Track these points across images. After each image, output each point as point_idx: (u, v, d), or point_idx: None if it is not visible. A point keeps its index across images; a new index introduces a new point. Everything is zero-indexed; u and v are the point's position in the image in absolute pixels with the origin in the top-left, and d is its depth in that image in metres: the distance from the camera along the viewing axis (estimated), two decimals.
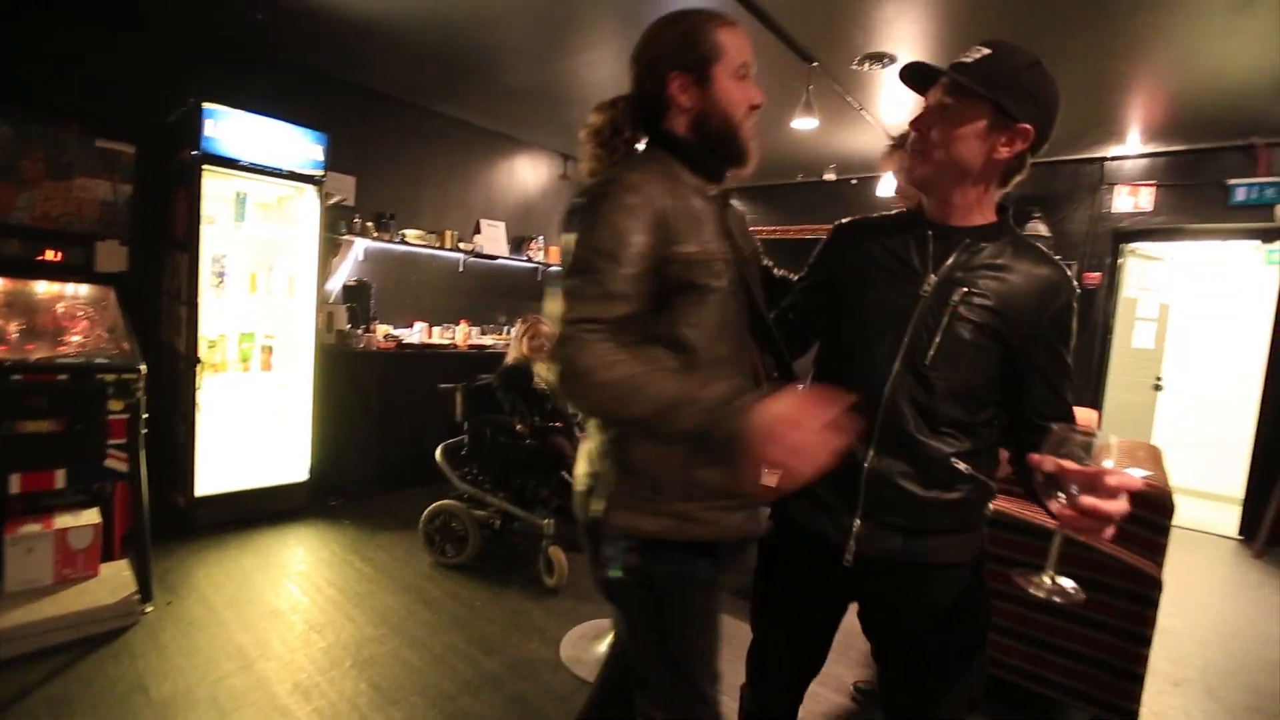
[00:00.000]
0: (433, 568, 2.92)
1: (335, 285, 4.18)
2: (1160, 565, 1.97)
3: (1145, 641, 1.93)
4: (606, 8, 2.90)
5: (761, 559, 1.21)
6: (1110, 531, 0.77)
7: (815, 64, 3.16)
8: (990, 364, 1.00)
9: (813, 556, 1.09)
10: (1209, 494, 5.10)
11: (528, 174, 5.44)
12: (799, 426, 0.77)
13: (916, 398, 1.00)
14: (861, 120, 3.93)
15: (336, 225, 4.01)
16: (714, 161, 1.07)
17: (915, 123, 1.02)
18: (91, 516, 2.44)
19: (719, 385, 0.86)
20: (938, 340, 0.99)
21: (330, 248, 3.99)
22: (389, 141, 4.46)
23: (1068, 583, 0.81)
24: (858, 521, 1.03)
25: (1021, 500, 2.02)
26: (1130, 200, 4.41)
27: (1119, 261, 4.58)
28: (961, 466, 1.00)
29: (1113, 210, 4.47)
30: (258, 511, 3.30)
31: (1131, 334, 4.84)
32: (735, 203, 1.15)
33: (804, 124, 3.33)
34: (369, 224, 4.24)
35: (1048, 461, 0.79)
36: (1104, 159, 4.46)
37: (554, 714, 1.97)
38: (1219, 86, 3.20)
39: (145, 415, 2.35)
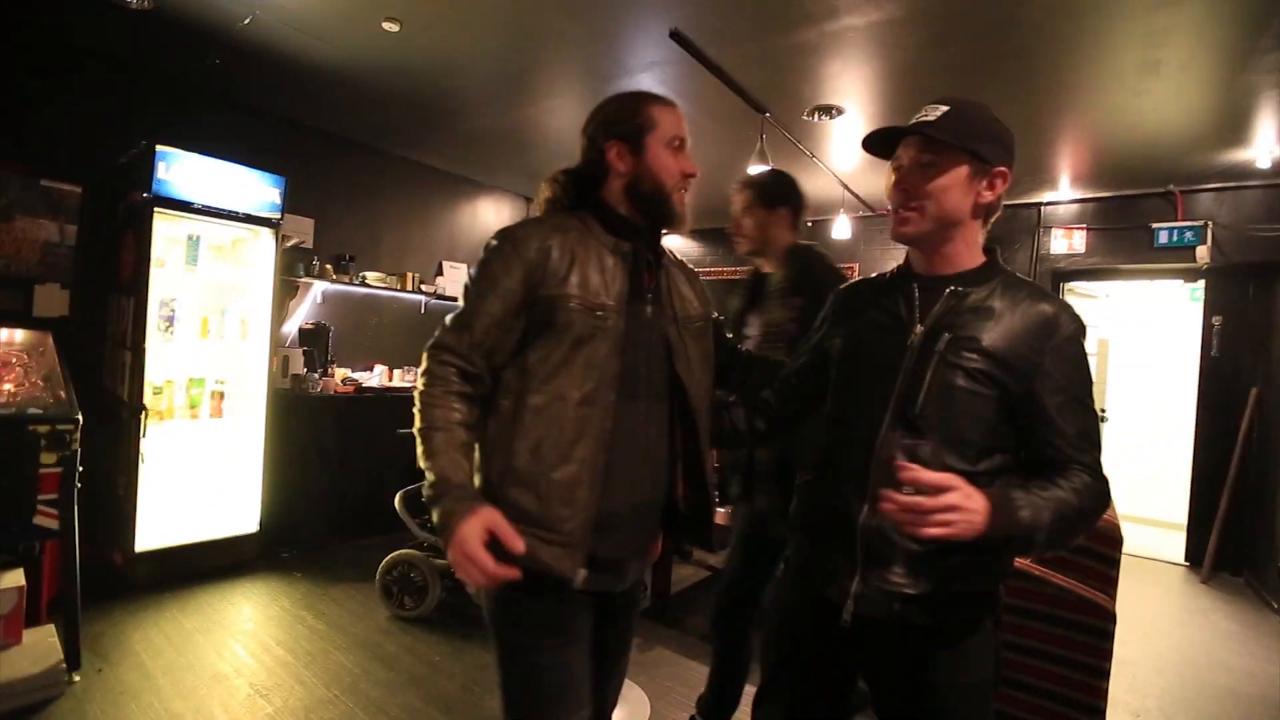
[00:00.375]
0: (390, 621, 2.80)
1: (291, 328, 4.09)
2: (1113, 597, 2.03)
3: (1104, 674, 1.96)
4: (566, 58, 2.99)
5: (773, 619, 1.21)
6: (933, 531, 0.84)
7: (767, 114, 3.30)
8: (987, 410, 0.97)
9: (817, 616, 1.07)
10: (1156, 521, 5.29)
11: (490, 216, 5.48)
12: (472, 548, 0.94)
13: (908, 447, 0.98)
14: (814, 166, 4.11)
15: (294, 267, 3.95)
16: (634, 223, 1.19)
17: (899, 183, 1.04)
18: (15, 579, 2.28)
19: (455, 470, 1.02)
20: (925, 387, 0.98)
21: (287, 290, 3.91)
22: (350, 184, 4.45)
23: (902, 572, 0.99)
24: (856, 580, 1.01)
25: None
26: (1065, 242, 4.68)
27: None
28: None
29: (1050, 252, 4.73)
30: (203, 567, 3.13)
31: None
32: (675, 266, 1.28)
33: (758, 170, 3.45)
34: (328, 266, 4.19)
35: (906, 471, 0.86)
36: (1040, 204, 4.73)
37: None
38: (1136, 139, 3.46)
39: (81, 468, 2.23)
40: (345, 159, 4.41)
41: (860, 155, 3.98)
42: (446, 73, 3.21)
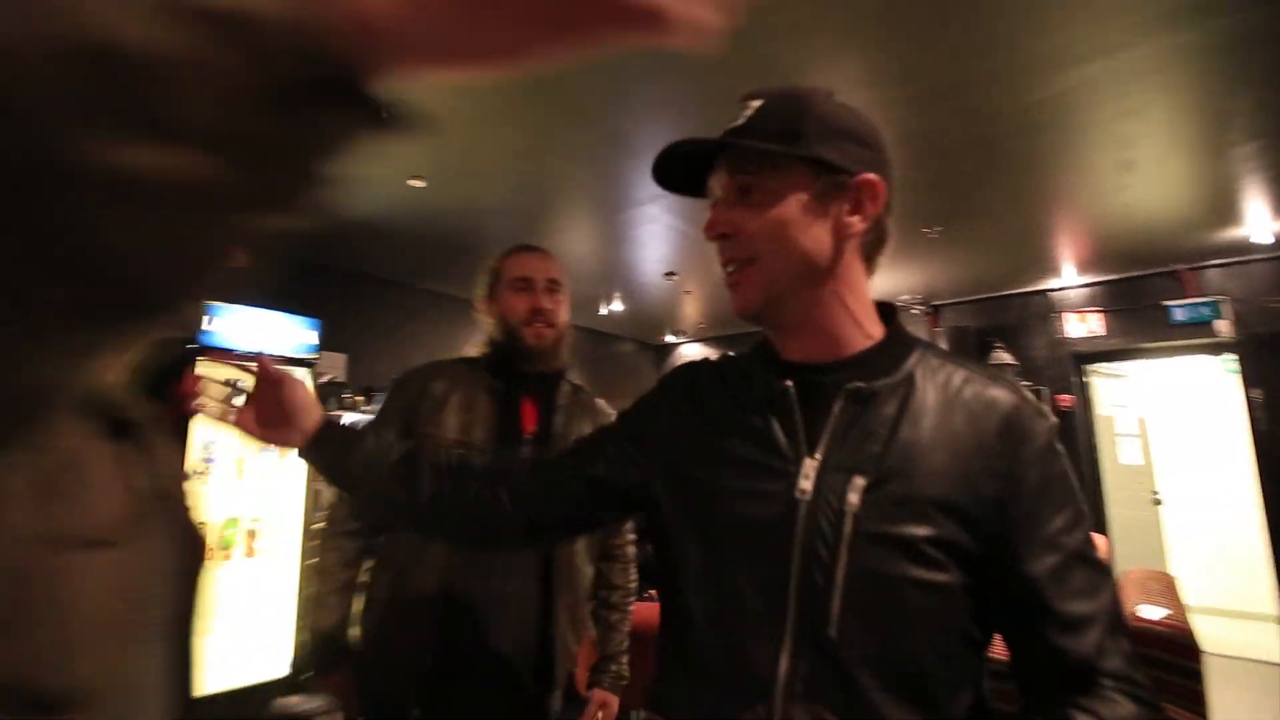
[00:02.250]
0: None
1: None
2: (1204, 716, 1.85)
3: None
4: (578, 198, 3.26)
5: None
6: None
7: None
8: (953, 611, 0.57)
9: None
10: (1241, 613, 4.85)
11: None
12: None
13: (832, 699, 0.55)
14: None
15: (327, 401, 4.10)
16: (502, 361, 1.28)
17: (714, 226, 0.66)
18: None
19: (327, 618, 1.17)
20: (840, 584, 0.56)
21: None
22: (380, 318, 4.72)
23: None
24: None
25: None
26: (1082, 326, 4.69)
27: (1086, 380, 4.76)
28: None
29: (1067, 336, 4.73)
30: (245, 711, 3.02)
31: (1116, 451, 4.89)
32: (579, 407, 1.32)
33: None
34: (359, 398, 4.35)
35: None
36: (1047, 290, 4.81)
37: None
38: (1130, 226, 3.57)
39: None
40: (375, 296, 4.71)
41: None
42: (468, 217, 3.50)
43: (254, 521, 3.45)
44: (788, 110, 0.64)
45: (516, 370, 1.27)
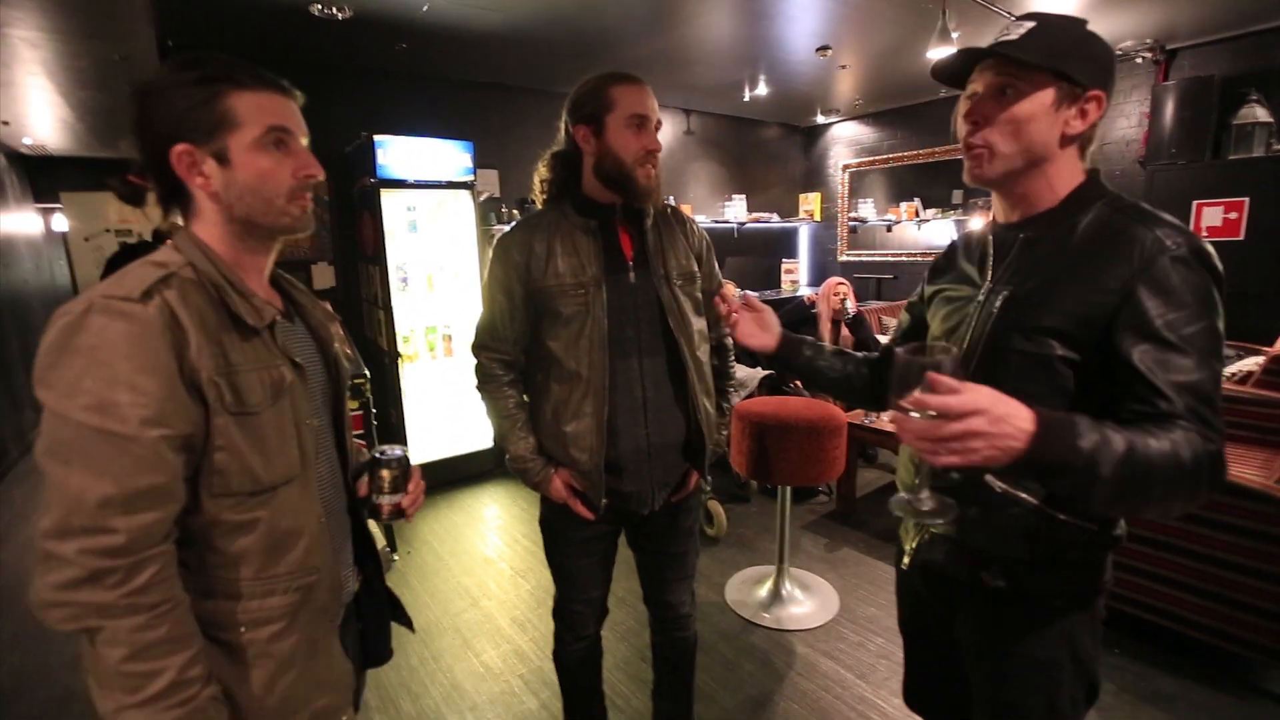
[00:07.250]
0: None
1: None
2: None
3: None
4: None
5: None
6: (949, 459, 0.69)
7: None
8: (1047, 373, 0.86)
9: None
10: None
11: None
12: (561, 498, 1.42)
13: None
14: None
15: (487, 217, 4.43)
16: (602, 202, 1.31)
17: (970, 113, 0.89)
18: None
19: (527, 449, 1.38)
20: (980, 346, 0.92)
21: (485, 239, 4.44)
22: (525, 131, 4.77)
23: (927, 496, 0.84)
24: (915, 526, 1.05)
25: None
26: None
27: None
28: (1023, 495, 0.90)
29: None
30: (456, 475, 3.93)
31: None
32: (666, 227, 1.38)
33: (941, 53, 3.07)
34: (514, 211, 4.62)
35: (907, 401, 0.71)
36: None
37: (724, 649, 2.26)
38: None
39: (375, 410, 2.91)
40: (519, 108, 4.71)
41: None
42: (598, 13, 3.25)
43: (446, 328, 4.06)
44: (1051, 33, 0.85)
45: (602, 207, 1.32)
